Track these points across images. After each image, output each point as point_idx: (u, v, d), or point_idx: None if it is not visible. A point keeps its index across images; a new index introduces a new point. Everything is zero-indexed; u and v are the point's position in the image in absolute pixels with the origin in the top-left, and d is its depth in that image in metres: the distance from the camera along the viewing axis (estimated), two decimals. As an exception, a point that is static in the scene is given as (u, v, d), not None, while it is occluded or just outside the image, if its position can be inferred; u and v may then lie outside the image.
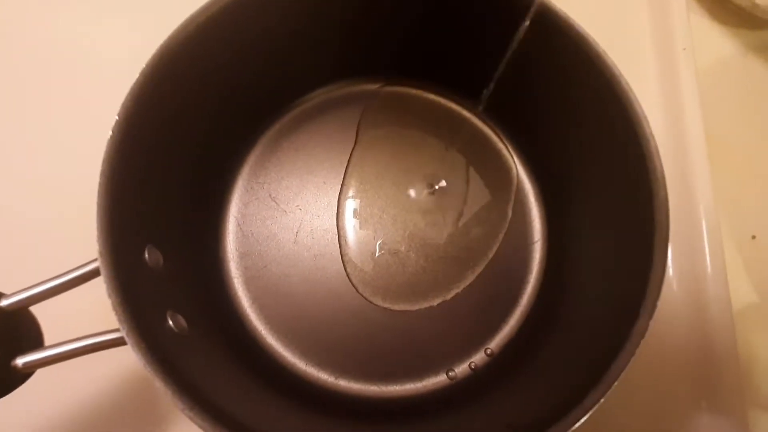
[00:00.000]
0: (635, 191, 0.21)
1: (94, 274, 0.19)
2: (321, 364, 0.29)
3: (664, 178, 0.20)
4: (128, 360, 0.18)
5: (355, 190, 0.32)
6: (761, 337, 0.31)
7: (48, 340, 0.20)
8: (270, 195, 0.32)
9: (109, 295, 0.18)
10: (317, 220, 0.31)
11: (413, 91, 0.34)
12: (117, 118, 0.21)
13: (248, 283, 0.30)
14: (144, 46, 0.22)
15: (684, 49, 0.33)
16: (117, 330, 0.18)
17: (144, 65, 0.22)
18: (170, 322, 0.22)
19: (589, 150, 0.26)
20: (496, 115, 0.33)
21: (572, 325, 0.25)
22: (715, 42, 0.36)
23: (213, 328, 0.27)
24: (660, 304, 0.19)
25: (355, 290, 0.30)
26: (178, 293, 0.24)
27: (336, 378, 0.29)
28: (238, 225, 0.31)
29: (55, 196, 0.32)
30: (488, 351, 0.29)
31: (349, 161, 0.33)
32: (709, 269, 0.30)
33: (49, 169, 0.33)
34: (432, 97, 0.34)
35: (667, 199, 0.20)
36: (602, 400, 0.17)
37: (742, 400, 0.28)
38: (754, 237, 0.32)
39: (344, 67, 0.33)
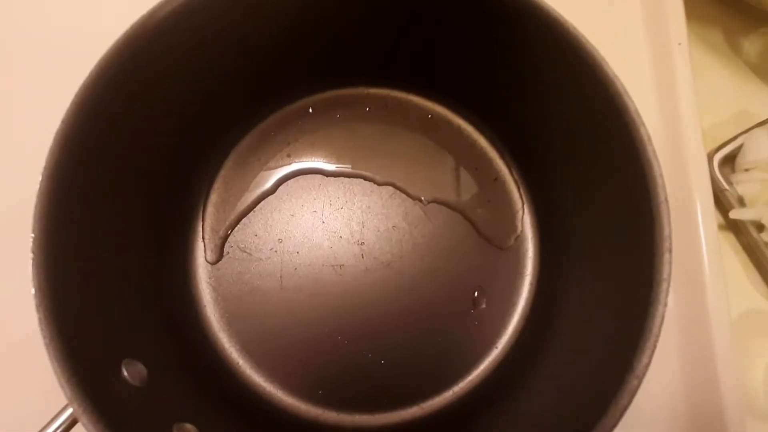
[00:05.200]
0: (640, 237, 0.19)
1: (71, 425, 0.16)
2: (327, 404, 0.27)
3: (669, 214, 0.19)
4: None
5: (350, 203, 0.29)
6: (759, 343, 0.29)
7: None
8: (239, 247, 0.29)
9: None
10: (297, 257, 0.29)
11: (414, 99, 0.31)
12: (43, 171, 0.17)
13: (248, 346, 0.28)
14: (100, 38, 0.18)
15: (679, 43, 0.31)
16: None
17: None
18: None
19: (589, 172, 0.24)
20: (496, 131, 0.30)
21: (552, 378, 0.24)
22: (709, 36, 0.34)
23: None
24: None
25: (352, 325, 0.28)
26: (174, 402, 0.21)
27: (338, 413, 0.26)
28: (214, 290, 0.28)
29: None
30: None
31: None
32: (706, 266, 0.28)
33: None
34: (438, 108, 0.31)
35: (671, 243, 0.18)
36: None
37: (741, 410, 0.26)
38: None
39: (327, 70, 0.30)
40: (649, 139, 0.20)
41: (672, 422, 0.27)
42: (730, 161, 0.32)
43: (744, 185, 0.30)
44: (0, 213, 0.25)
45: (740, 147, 0.31)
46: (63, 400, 0.16)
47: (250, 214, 0.29)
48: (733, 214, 0.30)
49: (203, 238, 0.29)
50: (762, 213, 0.29)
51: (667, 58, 0.32)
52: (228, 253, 0.29)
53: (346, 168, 0.30)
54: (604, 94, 0.21)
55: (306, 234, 0.29)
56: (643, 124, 0.20)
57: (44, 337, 0.15)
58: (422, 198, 0.30)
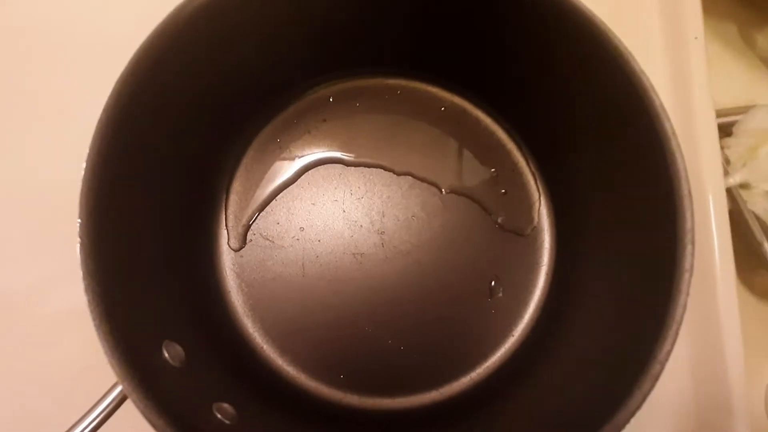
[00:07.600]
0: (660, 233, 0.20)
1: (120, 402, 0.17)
2: (349, 388, 0.27)
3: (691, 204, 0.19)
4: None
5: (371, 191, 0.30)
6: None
7: None
8: (261, 235, 0.30)
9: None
10: (319, 245, 0.30)
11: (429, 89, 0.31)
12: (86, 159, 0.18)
13: (271, 331, 0.28)
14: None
15: (696, 38, 0.31)
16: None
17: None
18: (218, 414, 0.20)
19: (609, 168, 0.25)
20: (513, 123, 0.31)
21: (572, 365, 0.24)
22: (723, 30, 0.34)
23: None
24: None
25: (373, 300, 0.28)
26: (211, 382, 0.22)
27: (360, 397, 0.27)
28: (237, 276, 0.29)
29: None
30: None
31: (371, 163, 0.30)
32: (717, 259, 0.28)
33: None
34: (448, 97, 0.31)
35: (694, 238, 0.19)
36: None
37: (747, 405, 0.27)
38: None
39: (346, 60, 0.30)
40: (674, 133, 0.20)
41: (681, 417, 0.28)
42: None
43: (732, 149, 0.32)
44: (49, 200, 0.25)
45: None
46: (111, 377, 0.17)
47: (272, 203, 0.30)
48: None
49: (226, 225, 0.30)
50: (746, 176, 0.31)
51: (684, 51, 0.32)
52: (251, 240, 0.29)
53: (365, 158, 0.31)
54: (630, 89, 0.21)
55: (327, 223, 0.30)
56: (668, 119, 0.20)
57: (93, 319, 0.16)
58: (441, 188, 0.30)
